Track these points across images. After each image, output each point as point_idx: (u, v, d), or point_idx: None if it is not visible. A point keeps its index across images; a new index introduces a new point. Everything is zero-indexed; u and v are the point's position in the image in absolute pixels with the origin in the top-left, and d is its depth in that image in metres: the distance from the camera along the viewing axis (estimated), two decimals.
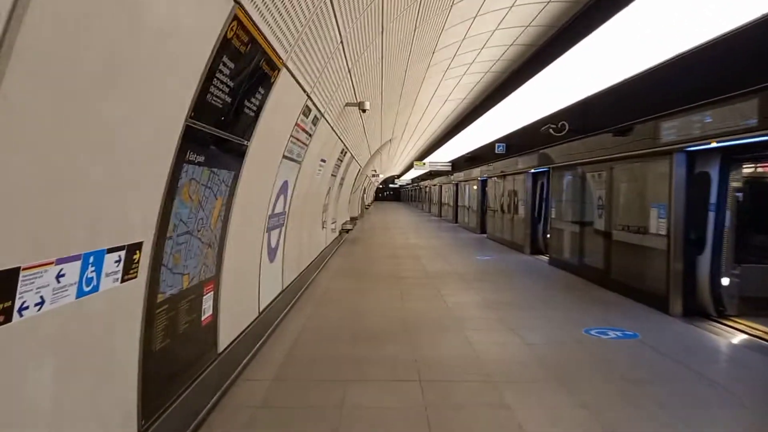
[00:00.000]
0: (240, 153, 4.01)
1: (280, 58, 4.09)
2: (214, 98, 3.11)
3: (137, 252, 2.64)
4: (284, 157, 5.77)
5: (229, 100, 3.34)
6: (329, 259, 11.81)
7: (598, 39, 8.51)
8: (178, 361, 3.37)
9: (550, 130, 9.32)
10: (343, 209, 17.98)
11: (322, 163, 9.12)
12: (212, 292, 3.94)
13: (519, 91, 12.89)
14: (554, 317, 6.59)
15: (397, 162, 47.20)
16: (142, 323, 2.83)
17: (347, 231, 16.41)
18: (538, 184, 13.40)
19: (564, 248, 10.79)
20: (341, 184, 14.73)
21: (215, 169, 3.52)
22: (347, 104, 8.34)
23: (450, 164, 25.86)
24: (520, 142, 14.01)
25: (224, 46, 2.97)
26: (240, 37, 3.12)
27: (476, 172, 20.03)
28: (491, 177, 17.77)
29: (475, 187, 21.34)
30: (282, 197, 6.39)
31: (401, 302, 7.40)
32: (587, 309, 7.08)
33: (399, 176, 62.23)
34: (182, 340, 3.40)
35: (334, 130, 8.63)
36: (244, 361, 4.63)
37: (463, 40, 11.46)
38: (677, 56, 6.78)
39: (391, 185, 71.34)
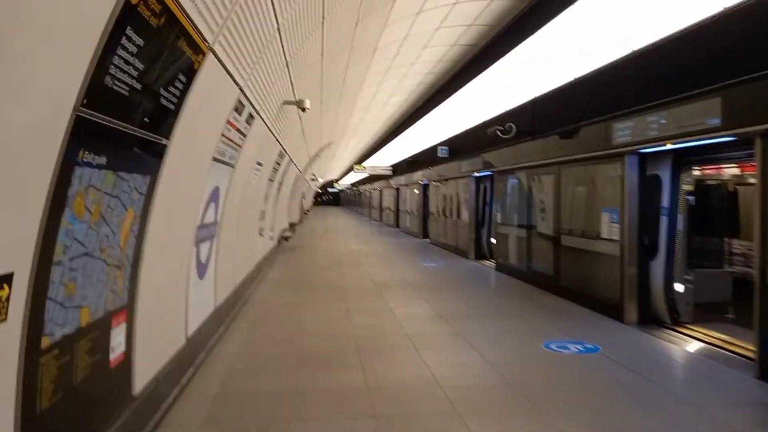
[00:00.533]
0: (157, 153, 3.31)
1: (205, 40, 3.43)
2: (117, 83, 2.43)
3: (3, 286, 1.94)
4: (214, 159, 5.07)
5: (138, 86, 2.66)
6: (268, 270, 11.03)
7: (546, 37, 8.34)
8: (77, 419, 2.64)
9: (497, 132, 9.07)
10: (281, 216, 17.16)
11: (259, 167, 8.39)
12: (124, 324, 3.21)
13: (462, 92, 12.69)
14: (511, 330, 6.24)
15: (336, 165, 46.57)
16: (18, 379, 2.11)
17: (286, 239, 15.63)
18: (481, 188, 13.22)
19: (510, 254, 10.59)
20: (279, 189, 13.96)
21: (123, 174, 2.81)
22: (285, 102, 7.68)
23: (391, 168, 25.53)
24: (463, 145, 13.81)
25: (128, 14, 2.30)
26: (150, 4, 2.45)
27: (418, 176, 19.77)
28: (433, 181, 17.53)
29: (416, 191, 21.09)
30: (213, 205, 5.65)
31: (347, 318, 6.82)
32: (542, 319, 6.79)
33: (338, 180, 61.52)
34: (83, 391, 2.67)
35: (271, 131, 7.94)
36: (168, 402, 3.89)
37: (404, 38, 11.07)
38: (631, 54, 6.61)
39: (330, 189, 70.48)
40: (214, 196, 5.61)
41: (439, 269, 11.52)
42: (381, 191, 31.98)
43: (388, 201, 29.12)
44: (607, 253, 7.01)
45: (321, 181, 37.94)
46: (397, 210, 26.14)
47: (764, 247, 4.49)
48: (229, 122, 5.18)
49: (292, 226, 24.42)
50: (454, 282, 9.90)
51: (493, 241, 12.75)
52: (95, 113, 2.32)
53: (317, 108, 14.15)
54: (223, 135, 5.11)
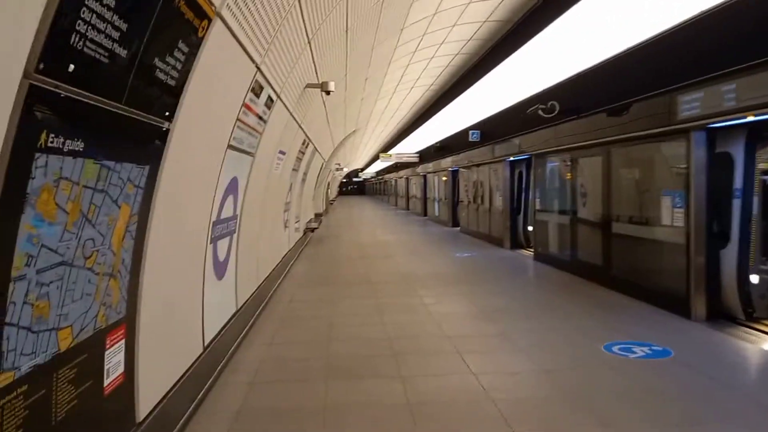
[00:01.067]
0: (156, 139, 2.79)
1: (210, 2, 2.88)
2: (90, 45, 1.89)
3: None
4: (230, 147, 4.54)
5: (122, 52, 2.12)
6: (294, 264, 10.58)
7: (590, 6, 7.54)
8: None
9: (539, 111, 8.36)
10: (306, 206, 16.72)
11: (281, 156, 7.88)
12: (122, 342, 2.72)
13: (495, 72, 11.93)
14: (562, 328, 5.60)
15: (361, 154, 46.05)
16: None
17: (312, 230, 15.18)
18: (517, 173, 12.50)
19: (551, 242, 9.89)
20: (304, 180, 13.49)
21: (109, 163, 2.29)
22: (308, 85, 7.12)
23: (417, 155, 24.85)
24: (496, 128, 13.08)
25: None
26: None
27: (447, 162, 19.07)
28: (463, 167, 16.83)
29: (445, 178, 20.40)
30: (231, 198, 5.15)
31: (379, 316, 6.29)
32: (597, 316, 6.12)
33: (363, 169, 61.09)
34: (66, 430, 2.18)
35: (294, 117, 7.41)
36: (180, 424, 3.41)
37: (434, 15, 10.36)
38: (699, 15, 5.75)
39: (354, 179, 70.12)
40: (233, 188, 5.11)
41: (473, 260, 10.89)
42: (407, 179, 31.34)
43: (415, 189, 28.47)
44: (670, 240, 6.33)
45: (345, 170, 37.48)
46: (425, 198, 25.48)
47: None
48: (246, 105, 4.65)
49: (317, 216, 24.05)
50: (492, 273, 9.25)
51: (530, 228, 12.07)
52: (60, 84, 1.78)
53: (341, 93, 13.58)
54: (239, 120, 4.58)
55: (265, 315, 6.51)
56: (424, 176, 24.94)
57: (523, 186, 12.25)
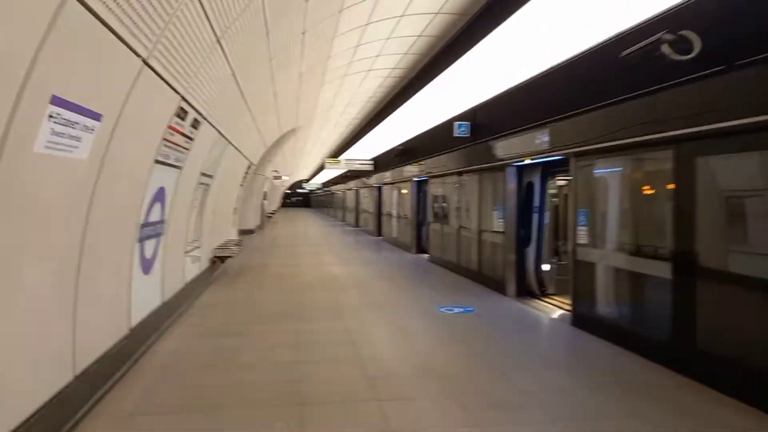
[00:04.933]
0: None
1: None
2: None
3: None
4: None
5: None
6: (168, 332, 6.03)
7: None
8: None
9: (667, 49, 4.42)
10: (222, 224, 12.09)
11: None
12: None
13: (489, 41, 7.89)
14: None
15: (306, 163, 41.45)
16: None
17: (223, 259, 10.55)
18: (524, 185, 8.60)
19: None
20: (207, 187, 8.98)
21: None
22: None
23: (372, 162, 20.68)
24: (492, 119, 9.09)
25: None
26: None
27: (412, 170, 14.93)
28: (434, 176, 12.72)
29: (406, 191, 16.28)
30: None
31: None
32: None
33: (308, 180, 56.36)
34: None
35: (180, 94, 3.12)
36: None
37: None
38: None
39: (299, 190, 65.04)
40: None
41: (472, 322, 6.69)
42: (357, 191, 27.03)
43: (367, 203, 24.21)
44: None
45: (286, 178, 32.79)
46: (379, 214, 21.25)
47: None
48: None
49: (247, 233, 19.31)
50: (533, 379, 5.15)
51: (546, 267, 8.17)
52: None
53: (266, 81, 9.51)
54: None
55: None
56: (379, 188, 20.74)
57: (536, 203, 8.26)
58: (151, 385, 4.28)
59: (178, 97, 5.39)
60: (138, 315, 5.42)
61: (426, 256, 13.88)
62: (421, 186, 15.08)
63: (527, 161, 7.71)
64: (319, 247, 17.16)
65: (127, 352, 4.80)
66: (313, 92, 14.81)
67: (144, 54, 3.92)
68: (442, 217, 12.08)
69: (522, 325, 6.67)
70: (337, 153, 28.63)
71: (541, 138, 7.05)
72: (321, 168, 37.15)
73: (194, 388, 4.27)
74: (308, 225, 30.84)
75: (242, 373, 4.65)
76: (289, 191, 64.15)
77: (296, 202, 70.92)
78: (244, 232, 19.26)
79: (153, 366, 4.79)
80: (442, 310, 7.28)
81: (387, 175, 18.47)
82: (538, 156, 7.24)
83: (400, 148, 15.69)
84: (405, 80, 14.32)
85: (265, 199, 26.89)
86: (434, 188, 12.91)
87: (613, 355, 5.30)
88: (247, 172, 15.09)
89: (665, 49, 3.95)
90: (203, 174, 8.51)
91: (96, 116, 3.62)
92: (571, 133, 6.33)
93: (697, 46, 3.92)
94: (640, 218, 5.57)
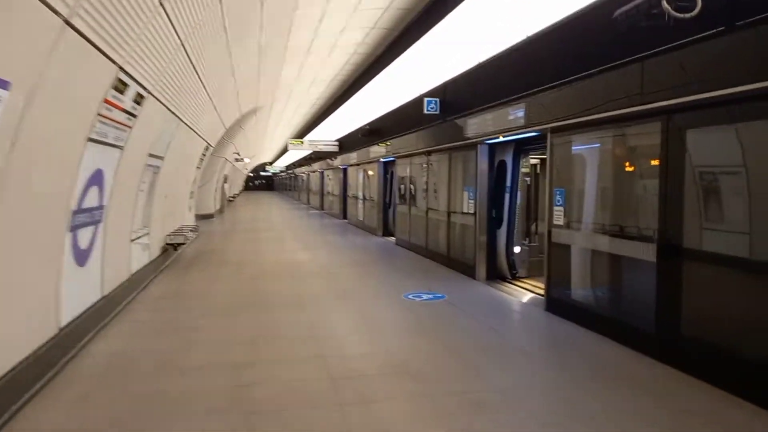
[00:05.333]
0: None
1: None
2: None
3: None
4: None
5: None
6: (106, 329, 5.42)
7: None
8: None
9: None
10: (176, 207, 11.36)
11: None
12: None
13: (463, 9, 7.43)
14: None
15: (269, 145, 40.32)
16: None
17: (175, 246, 9.86)
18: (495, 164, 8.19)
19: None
20: (157, 170, 8.26)
21: None
22: None
23: (336, 144, 20.04)
24: (461, 96, 8.64)
25: None
26: None
27: (378, 150, 14.41)
28: (400, 156, 12.24)
29: (372, 173, 15.77)
30: None
31: None
32: None
33: (272, 163, 55.07)
34: None
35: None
36: None
37: None
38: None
39: (263, 173, 63.54)
40: None
41: (443, 309, 6.31)
42: (322, 173, 26.33)
43: (332, 185, 23.58)
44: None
45: (248, 161, 31.76)
46: (344, 197, 20.69)
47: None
48: None
49: (204, 217, 18.49)
50: (512, 357, 4.78)
51: (517, 249, 7.87)
52: None
53: (224, 58, 8.89)
54: None
55: None
56: (345, 169, 20.14)
57: (508, 183, 7.89)
58: (78, 397, 3.69)
59: (116, 67, 4.73)
60: (70, 312, 4.81)
61: (393, 239, 13.46)
62: (387, 167, 14.59)
63: (501, 138, 7.28)
64: (281, 232, 16.53)
65: (54, 357, 4.20)
66: (274, 69, 14.05)
67: (65, 12, 3.28)
68: (410, 198, 11.64)
69: (495, 312, 6.31)
70: (301, 134, 27.80)
71: (516, 113, 6.63)
72: (285, 150, 36.20)
73: (130, 399, 3.70)
74: (271, 208, 29.99)
75: (187, 379, 4.11)
76: (252, 174, 62.60)
77: (260, 185, 69.40)
78: (202, 217, 18.43)
79: (83, 373, 4.19)
80: (411, 297, 6.87)
81: (353, 156, 17.90)
82: (513, 132, 6.82)
83: (367, 127, 15.10)
84: (372, 57, 13.70)
85: (225, 182, 25.92)
86: (401, 169, 12.43)
87: (592, 343, 4.98)
88: (204, 154, 14.28)
89: (665, 4, 3.53)
90: (152, 155, 7.81)
91: (2, 84, 3.01)
92: (550, 107, 5.93)
93: (699, 3, 3.52)
94: (623, 197, 5.24)
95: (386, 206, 14.83)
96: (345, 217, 20.33)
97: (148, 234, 8.30)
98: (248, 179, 61.81)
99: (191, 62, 7.40)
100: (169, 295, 7.08)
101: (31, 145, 3.55)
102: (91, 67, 4.22)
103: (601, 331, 5.16)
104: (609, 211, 5.40)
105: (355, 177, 18.30)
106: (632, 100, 4.59)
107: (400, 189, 12.59)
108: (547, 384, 4.11)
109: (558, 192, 5.96)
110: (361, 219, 17.26)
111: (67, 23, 3.30)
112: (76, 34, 3.48)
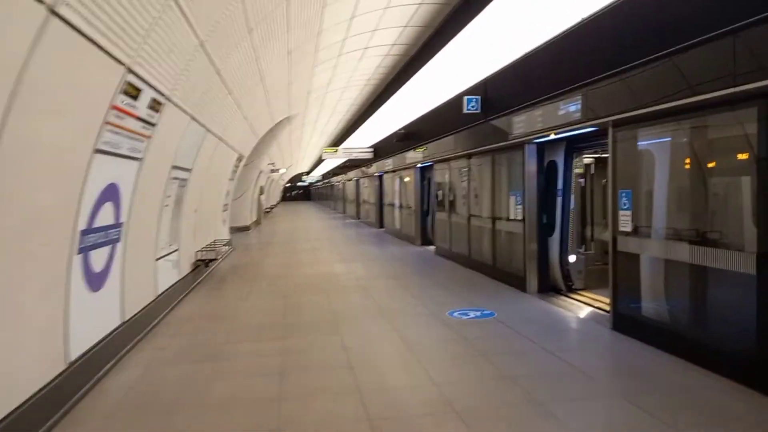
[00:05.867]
0: None
1: None
2: None
3: None
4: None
5: None
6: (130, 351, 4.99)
7: None
8: None
9: None
10: (208, 221, 11.02)
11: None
12: None
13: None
14: None
15: (306, 155, 40.32)
16: None
17: (207, 262, 9.48)
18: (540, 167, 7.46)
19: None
20: (184, 183, 7.88)
21: None
22: None
23: (371, 150, 19.54)
24: (504, 93, 7.94)
25: None
26: None
27: (414, 155, 13.79)
28: (437, 161, 11.57)
29: (408, 179, 15.16)
30: None
31: None
32: None
33: (308, 172, 55.29)
34: None
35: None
36: None
37: None
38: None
39: (299, 183, 63.85)
40: None
41: (493, 330, 5.61)
42: (358, 181, 25.89)
43: (368, 193, 23.09)
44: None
45: (283, 171, 31.66)
46: (380, 204, 20.12)
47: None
48: None
49: (241, 230, 18.27)
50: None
51: (572, 258, 7.11)
52: None
53: (251, 62, 8.53)
54: None
55: None
56: (380, 176, 19.60)
57: (560, 185, 7.14)
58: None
59: (123, 69, 4.27)
60: (82, 344, 4.35)
61: (432, 248, 12.79)
62: (425, 173, 13.96)
63: (552, 136, 6.54)
64: (315, 243, 16.09)
65: (63, 395, 3.74)
66: (305, 74, 13.67)
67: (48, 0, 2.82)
68: (450, 205, 10.96)
69: (553, 331, 5.57)
70: (336, 143, 27.51)
71: (569, 107, 5.89)
72: (320, 159, 36.03)
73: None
74: (308, 219, 29.76)
75: (209, 416, 3.58)
76: (289, 185, 62.99)
77: (297, 196, 69.76)
78: (238, 229, 18.22)
79: (95, 412, 3.73)
80: (456, 314, 6.20)
81: (388, 163, 17.34)
82: (567, 129, 6.09)
83: (402, 131, 14.51)
84: (406, 57, 13.14)
85: (261, 194, 25.80)
86: (440, 174, 11.77)
87: (675, 371, 4.21)
88: (237, 165, 13.99)
89: None
90: (176, 167, 7.42)
91: None
92: (612, 98, 5.18)
93: None
94: (703, 198, 4.45)
95: (424, 214, 14.19)
96: (382, 226, 19.77)
97: (176, 251, 7.92)
98: (285, 190, 62.18)
99: (213, 65, 6.98)
100: (196, 316, 6.64)
101: (18, 157, 3.10)
102: (93, 67, 3.76)
103: (683, 354, 4.39)
104: (688, 214, 4.62)
105: (391, 184, 17.73)
106: (719, 83, 3.83)
107: (438, 195, 11.93)
108: (635, 426, 3.38)
109: (624, 194, 5.19)
110: (398, 228, 16.66)
111: (53, 12, 2.83)
112: (65, 26, 3.02)
